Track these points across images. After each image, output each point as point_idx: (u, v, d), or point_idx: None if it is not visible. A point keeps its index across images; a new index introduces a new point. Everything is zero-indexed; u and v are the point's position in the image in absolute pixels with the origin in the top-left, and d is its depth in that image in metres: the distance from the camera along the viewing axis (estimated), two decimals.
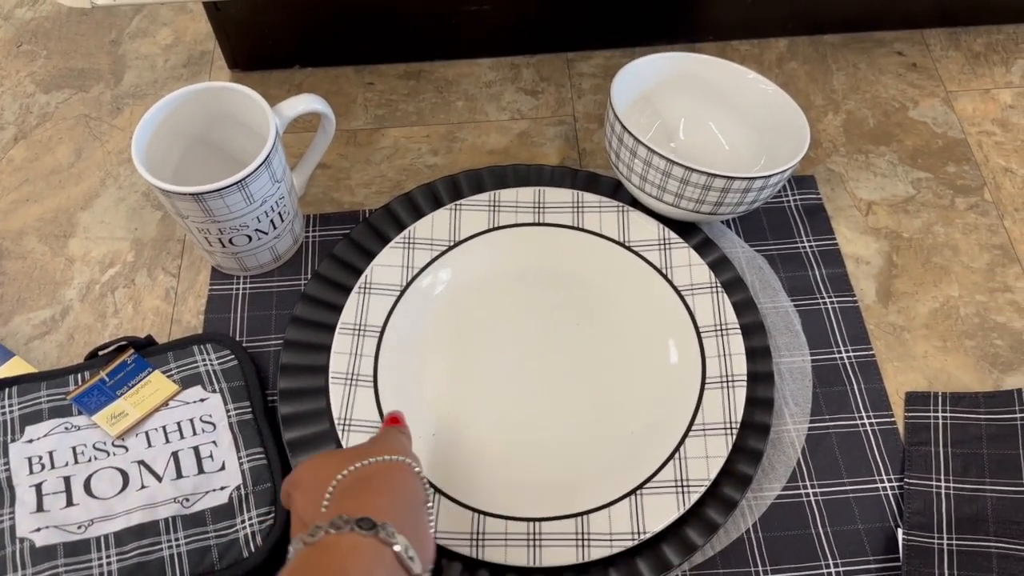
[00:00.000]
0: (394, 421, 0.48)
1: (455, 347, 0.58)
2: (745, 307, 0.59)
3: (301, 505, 0.40)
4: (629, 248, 0.61)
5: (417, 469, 0.43)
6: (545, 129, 0.70)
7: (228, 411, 0.54)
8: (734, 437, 0.53)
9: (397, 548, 0.37)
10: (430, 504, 0.43)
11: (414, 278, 0.60)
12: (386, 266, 0.60)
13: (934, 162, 0.67)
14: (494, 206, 0.62)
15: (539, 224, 0.62)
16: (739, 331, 0.56)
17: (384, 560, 0.36)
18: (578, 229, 0.62)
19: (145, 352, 0.57)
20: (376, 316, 0.58)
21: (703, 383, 0.55)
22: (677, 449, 0.53)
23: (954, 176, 0.66)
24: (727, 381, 0.55)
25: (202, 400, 0.55)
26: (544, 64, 0.74)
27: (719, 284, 0.58)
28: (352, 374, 0.55)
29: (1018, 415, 0.54)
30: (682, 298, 0.58)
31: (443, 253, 0.61)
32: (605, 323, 0.59)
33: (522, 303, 0.60)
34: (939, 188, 0.66)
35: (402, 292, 0.59)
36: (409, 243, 0.61)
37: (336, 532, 0.36)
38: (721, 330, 0.57)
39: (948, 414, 0.55)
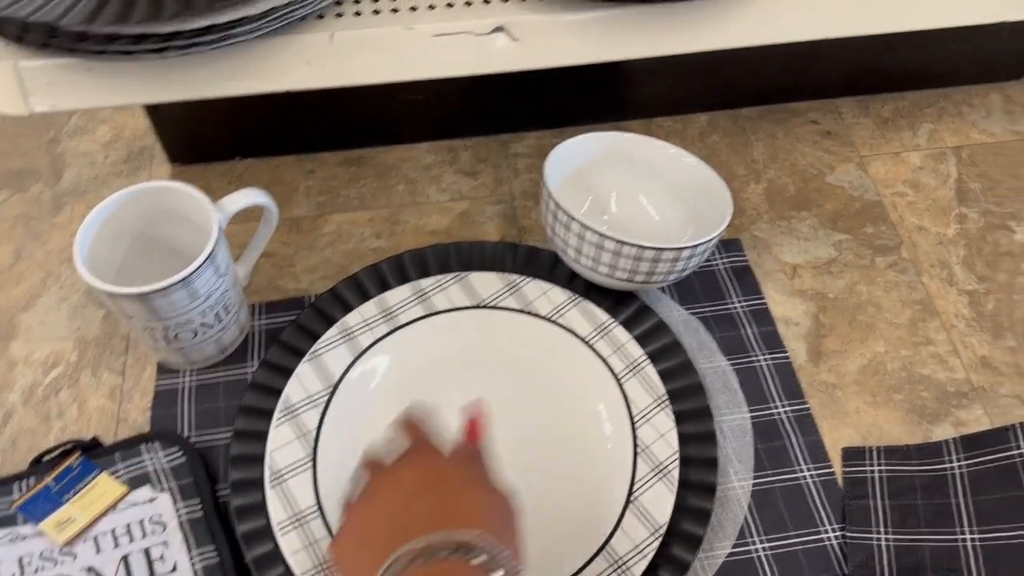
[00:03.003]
0: (474, 431, 0.46)
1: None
2: (684, 370, 0.61)
3: None
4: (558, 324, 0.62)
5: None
6: (485, 208, 0.73)
7: (178, 510, 0.54)
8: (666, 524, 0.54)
9: None
10: None
11: (347, 371, 0.60)
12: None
13: (853, 224, 0.71)
14: (421, 295, 0.64)
15: (479, 307, 0.63)
16: (669, 407, 0.58)
17: None
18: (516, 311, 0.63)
19: (91, 454, 0.56)
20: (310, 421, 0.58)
21: (634, 467, 0.56)
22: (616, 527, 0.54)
23: (872, 236, 0.70)
24: (660, 469, 0.56)
25: (151, 500, 0.54)
26: (480, 146, 0.77)
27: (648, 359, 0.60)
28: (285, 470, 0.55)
29: (947, 465, 0.57)
30: (617, 379, 0.60)
31: (379, 340, 0.61)
32: (541, 401, 0.60)
33: (460, 386, 0.60)
34: (859, 249, 0.69)
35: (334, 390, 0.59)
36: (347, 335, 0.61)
37: None
38: (657, 406, 0.59)
39: (883, 467, 0.57)
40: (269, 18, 0.54)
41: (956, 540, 0.53)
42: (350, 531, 0.43)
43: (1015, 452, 0.55)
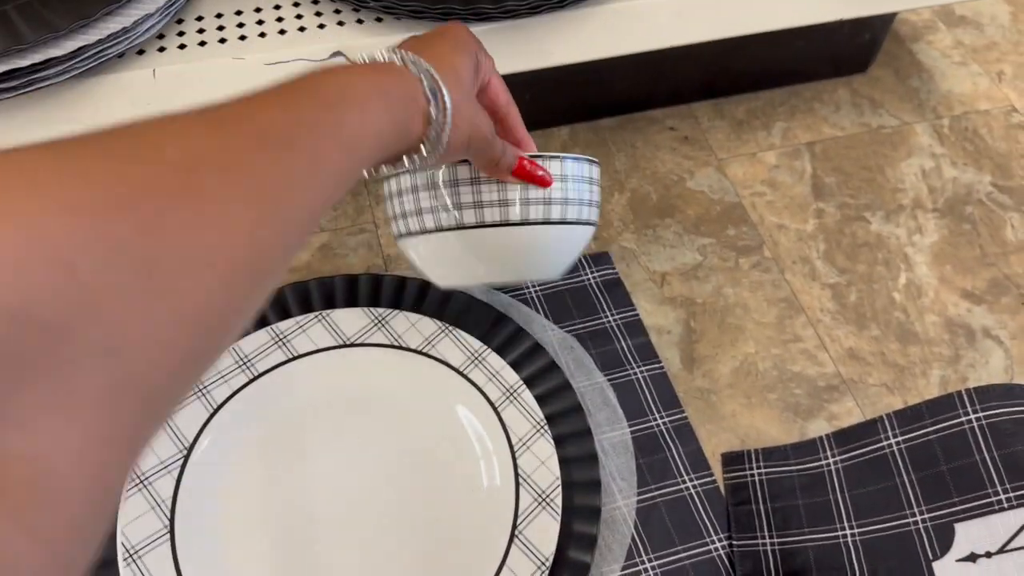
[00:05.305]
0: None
1: (260, 496, 0.55)
2: (562, 392, 0.59)
3: None
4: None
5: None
6: (346, 239, 0.69)
7: None
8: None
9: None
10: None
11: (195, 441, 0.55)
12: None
13: (715, 227, 0.71)
14: (280, 338, 0.60)
15: (344, 346, 0.60)
16: (549, 434, 0.57)
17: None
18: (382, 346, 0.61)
19: None
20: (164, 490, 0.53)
21: (517, 495, 0.55)
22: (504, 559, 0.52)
23: (735, 238, 0.71)
24: (543, 498, 0.55)
25: None
26: None
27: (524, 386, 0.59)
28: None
29: (823, 462, 0.57)
30: (495, 408, 0.58)
31: (236, 392, 0.57)
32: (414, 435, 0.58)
33: (328, 433, 0.58)
34: (723, 251, 0.70)
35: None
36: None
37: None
38: (536, 432, 0.57)
39: (763, 470, 0.57)
40: (80, 58, 0.50)
41: (837, 537, 0.53)
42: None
43: (884, 443, 0.56)
